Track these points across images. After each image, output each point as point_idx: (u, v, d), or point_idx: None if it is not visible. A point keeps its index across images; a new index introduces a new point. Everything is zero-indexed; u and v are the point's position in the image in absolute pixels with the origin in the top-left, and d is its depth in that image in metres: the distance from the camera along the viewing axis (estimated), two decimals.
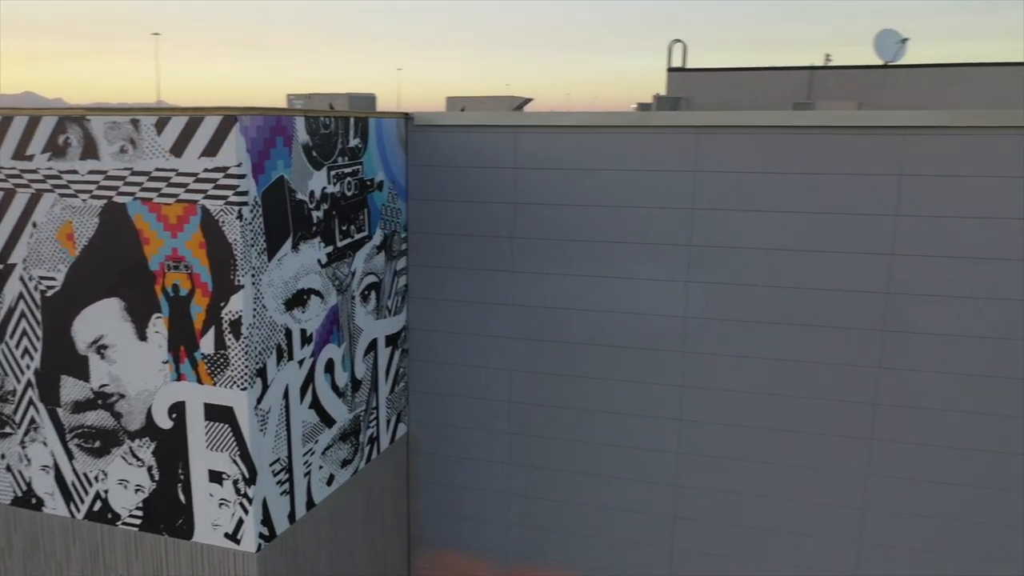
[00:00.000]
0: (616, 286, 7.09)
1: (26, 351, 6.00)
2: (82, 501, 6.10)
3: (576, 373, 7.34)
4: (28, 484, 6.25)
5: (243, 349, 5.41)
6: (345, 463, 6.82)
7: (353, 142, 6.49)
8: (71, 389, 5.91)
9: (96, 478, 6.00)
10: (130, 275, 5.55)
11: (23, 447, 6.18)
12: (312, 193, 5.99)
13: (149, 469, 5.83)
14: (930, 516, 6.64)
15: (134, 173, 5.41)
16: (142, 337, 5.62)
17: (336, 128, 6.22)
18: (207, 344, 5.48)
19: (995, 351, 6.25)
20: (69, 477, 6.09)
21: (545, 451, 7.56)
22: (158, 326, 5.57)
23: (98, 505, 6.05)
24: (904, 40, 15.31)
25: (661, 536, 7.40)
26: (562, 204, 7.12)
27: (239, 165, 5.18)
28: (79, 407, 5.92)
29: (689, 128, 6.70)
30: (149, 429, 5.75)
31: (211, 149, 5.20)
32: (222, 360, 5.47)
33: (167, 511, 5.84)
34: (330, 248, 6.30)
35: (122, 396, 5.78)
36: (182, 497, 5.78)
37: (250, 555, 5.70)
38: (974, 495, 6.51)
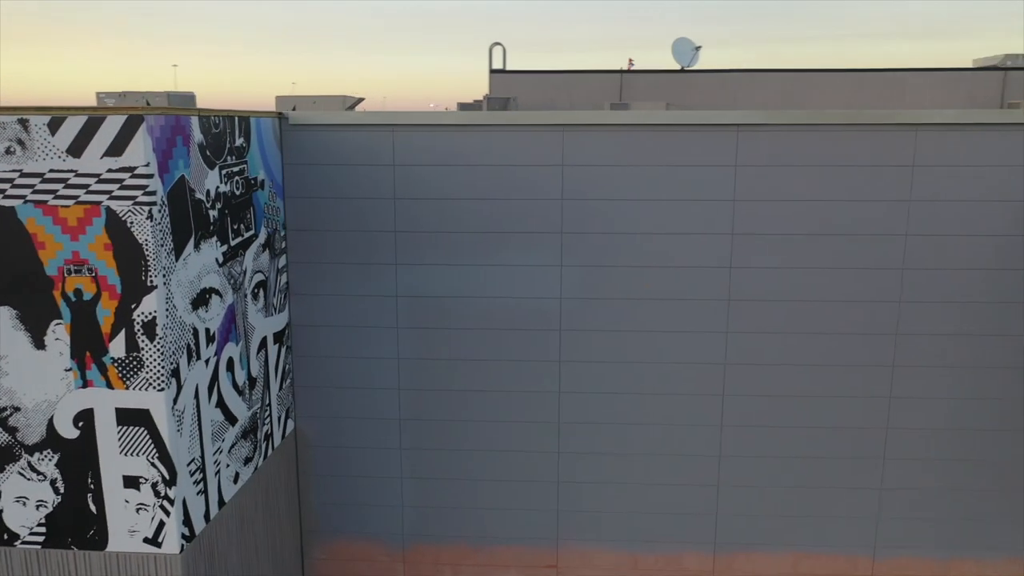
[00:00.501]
0: (493, 273, 7.63)
1: None
2: None
3: (460, 357, 7.81)
4: None
5: (158, 350, 5.39)
6: (247, 460, 6.86)
7: (239, 141, 6.55)
8: None
9: None
10: (23, 282, 5.34)
11: None
12: (208, 192, 6.02)
13: (53, 482, 5.62)
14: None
15: (24, 175, 5.21)
16: (39, 346, 5.43)
17: (224, 128, 6.27)
18: (117, 348, 5.40)
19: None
20: None
21: (434, 434, 7.97)
22: (58, 333, 5.40)
23: None
24: (698, 48, 17.14)
25: (547, 500, 8.06)
26: (440, 198, 7.54)
27: (147, 165, 5.17)
28: None
29: (557, 126, 7.37)
30: (51, 441, 5.55)
31: (116, 149, 5.15)
32: (135, 362, 5.41)
33: (76, 523, 5.67)
34: (225, 247, 6.34)
35: (16, 409, 5.53)
36: (93, 507, 5.63)
37: (174, 557, 5.67)
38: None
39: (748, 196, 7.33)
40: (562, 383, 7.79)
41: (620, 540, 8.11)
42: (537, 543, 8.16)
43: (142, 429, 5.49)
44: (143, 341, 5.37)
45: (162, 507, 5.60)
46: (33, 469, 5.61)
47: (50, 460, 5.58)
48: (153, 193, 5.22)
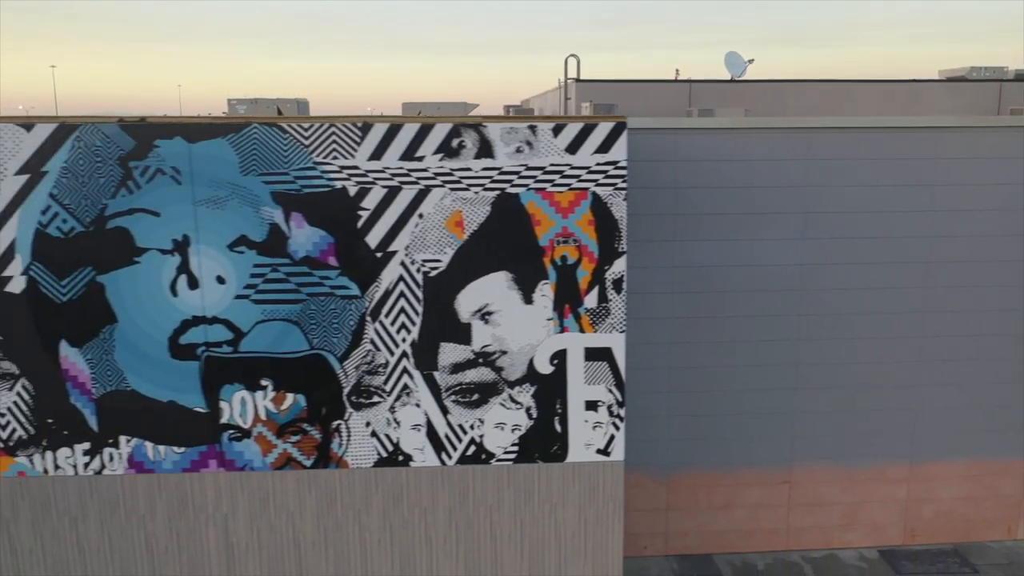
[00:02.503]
0: (751, 247, 9.47)
1: (403, 326, 6.97)
2: (454, 449, 7.22)
3: (721, 315, 9.63)
4: (395, 444, 7.18)
5: (622, 301, 7.03)
6: None
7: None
8: (451, 354, 7.03)
9: (471, 426, 7.17)
10: (519, 251, 6.88)
11: (392, 412, 7.12)
12: None
13: (527, 410, 7.17)
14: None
15: (528, 168, 6.76)
16: (528, 301, 6.97)
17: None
18: (591, 300, 7.00)
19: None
20: (442, 431, 7.17)
21: (694, 378, 9.75)
22: (544, 291, 6.96)
23: (472, 450, 7.22)
24: (750, 61, 19.35)
25: (784, 429, 9.98)
26: (711, 187, 9.34)
27: (625, 160, 6.80)
28: (458, 368, 7.06)
29: (804, 129, 9.28)
30: (529, 376, 7.10)
31: (603, 148, 6.75)
32: (604, 311, 7.03)
33: (543, 441, 7.23)
34: None
35: (504, 352, 7.05)
36: (558, 427, 7.21)
37: (618, 463, 7.32)
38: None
39: (947, 182, 9.46)
40: (800, 332, 9.73)
41: (837, 458, 10.12)
42: (774, 464, 10.08)
43: (603, 363, 7.11)
44: (612, 294, 7.00)
45: (613, 424, 7.24)
46: (513, 400, 7.14)
47: (527, 392, 7.13)
48: (626, 180, 6.85)
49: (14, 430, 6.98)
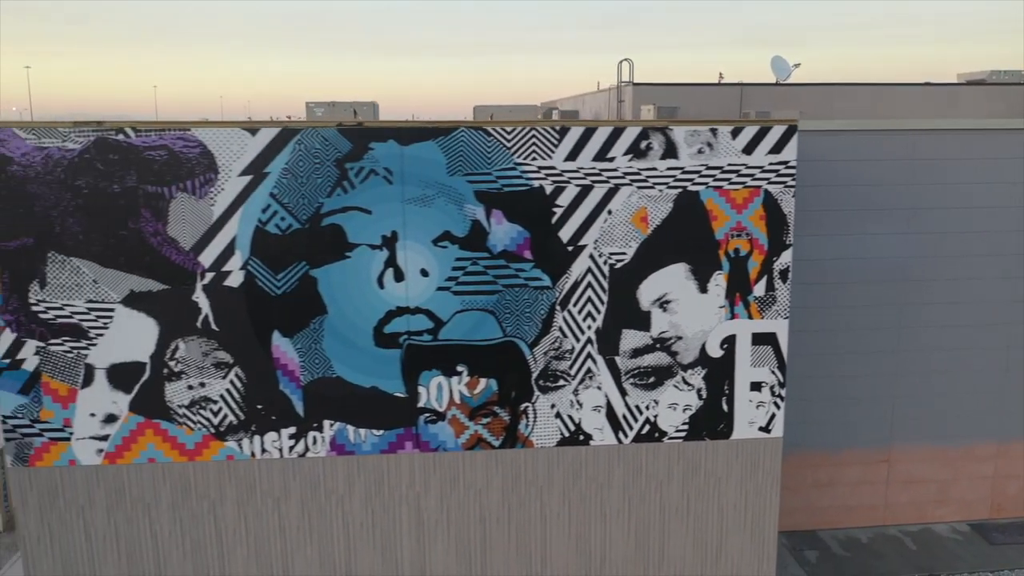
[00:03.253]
0: (858, 241, 10.13)
1: (588, 314, 7.53)
2: (630, 428, 7.78)
3: (830, 305, 10.28)
4: (577, 424, 7.73)
5: (787, 289, 7.65)
6: None
7: None
8: (631, 340, 7.60)
9: (647, 407, 7.75)
10: (696, 245, 7.47)
11: (575, 394, 7.67)
12: None
13: (698, 391, 7.76)
14: None
15: (708, 168, 7.35)
16: (702, 291, 7.56)
17: None
18: (759, 289, 7.61)
19: None
20: (620, 411, 7.74)
21: (808, 365, 10.39)
22: (718, 280, 7.56)
23: (646, 428, 7.79)
24: (796, 65, 20.10)
25: (883, 412, 10.67)
26: (825, 185, 9.99)
27: (795, 160, 7.42)
28: (637, 353, 7.63)
29: (908, 131, 9.98)
30: (701, 360, 7.69)
31: (776, 149, 7.37)
32: (771, 299, 7.64)
33: (711, 420, 7.83)
34: None
35: (679, 338, 7.64)
36: (725, 407, 7.81)
37: (777, 440, 7.93)
38: None
39: None
40: (900, 320, 10.44)
41: (932, 438, 10.84)
42: (874, 445, 10.78)
43: (768, 347, 7.73)
44: (778, 283, 7.62)
45: (775, 403, 7.86)
46: (685, 382, 7.72)
47: (699, 374, 7.72)
48: (795, 179, 7.47)
49: (225, 416, 7.42)
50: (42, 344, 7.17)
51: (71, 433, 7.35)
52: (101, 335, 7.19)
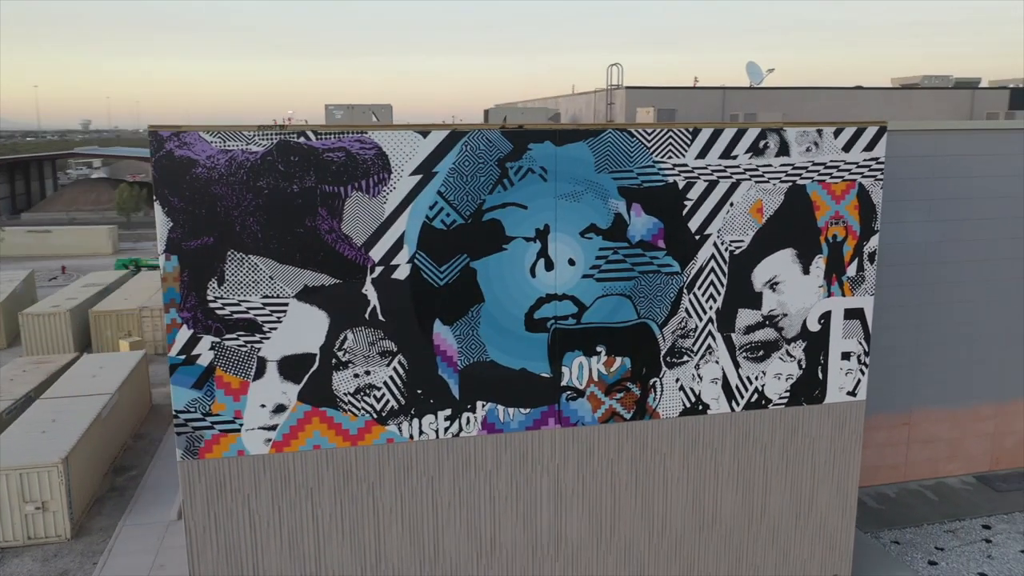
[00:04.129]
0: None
1: (710, 296, 8.40)
2: (741, 397, 8.71)
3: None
4: (697, 396, 8.60)
5: (874, 270, 8.75)
6: None
7: None
8: (745, 318, 8.53)
9: (756, 378, 8.69)
10: (801, 231, 8.47)
11: (697, 369, 8.53)
12: None
13: (799, 362, 8.76)
14: None
15: (814, 164, 8.36)
16: (805, 272, 8.57)
17: None
18: (851, 270, 8.67)
19: None
20: (734, 382, 8.65)
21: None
22: (818, 263, 8.58)
23: (755, 397, 8.74)
24: (770, 70, 21.49)
25: (904, 378, 12.03)
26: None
27: (884, 156, 8.52)
28: (750, 329, 8.56)
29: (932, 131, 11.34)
30: (802, 334, 8.70)
31: (869, 147, 8.44)
32: (860, 279, 8.72)
33: (808, 387, 8.85)
34: None
35: (785, 315, 8.62)
36: (820, 375, 8.85)
37: (861, 402, 9.04)
38: None
39: None
40: (923, 298, 11.81)
41: (945, 401, 12.30)
42: (898, 409, 12.13)
43: (857, 321, 8.81)
44: (867, 264, 8.71)
45: (860, 370, 8.95)
46: (788, 354, 8.72)
47: (800, 347, 8.73)
48: (883, 172, 8.58)
49: (387, 401, 7.88)
50: (217, 339, 7.45)
51: (241, 425, 7.64)
52: (274, 328, 7.53)
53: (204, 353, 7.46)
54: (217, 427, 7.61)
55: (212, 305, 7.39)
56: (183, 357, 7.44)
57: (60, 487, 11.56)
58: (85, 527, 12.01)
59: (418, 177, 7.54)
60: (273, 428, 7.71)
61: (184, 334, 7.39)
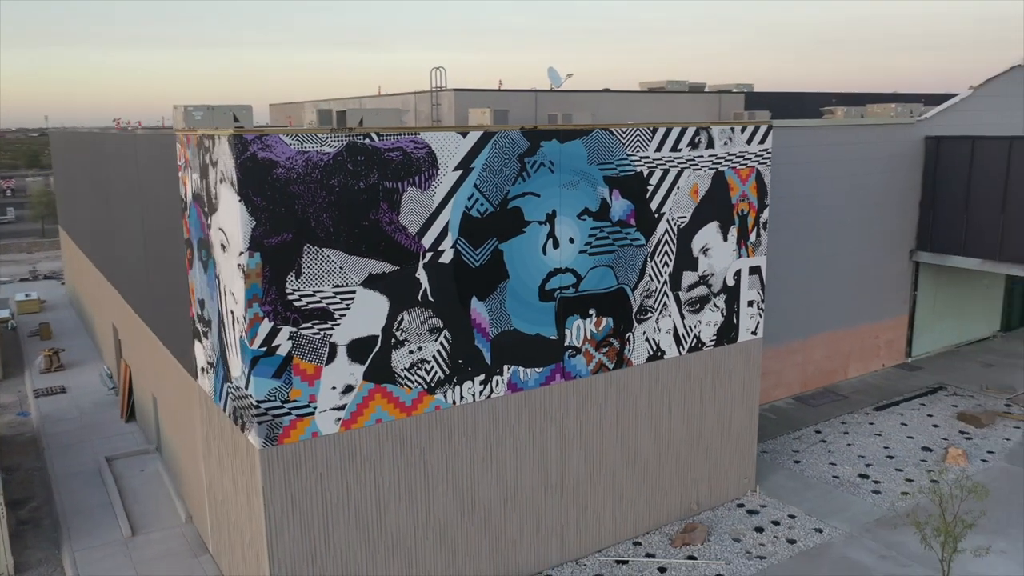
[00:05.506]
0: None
1: (665, 263, 10.44)
2: (686, 343, 10.87)
3: None
4: (657, 344, 10.60)
5: (766, 235, 11.38)
6: None
7: None
8: (688, 278, 10.71)
9: (694, 327, 10.91)
10: (722, 208, 10.84)
11: (657, 323, 10.53)
12: None
13: (721, 311, 11.14)
14: None
15: (729, 154, 10.76)
16: (725, 239, 10.96)
17: None
18: (753, 236, 11.23)
19: None
20: (681, 332, 10.78)
21: None
22: (732, 232, 11.01)
23: (694, 342, 10.96)
24: (569, 75, 23.81)
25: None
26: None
27: (771, 148, 11.16)
28: (690, 287, 10.76)
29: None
30: (724, 288, 11.09)
31: (763, 139, 11.04)
32: (758, 243, 11.31)
33: (727, 331, 11.26)
34: None
35: (713, 275, 10.94)
36: (735, 320, 11.31)
37: (759, 339, 11.66)
38: None
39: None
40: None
41: (773, 341, 15.61)
42: None
43: (756, 276, 11.41)
44: (762, 232, 11.32)
45: (759, 314, 11.57)
46: (715, 305, 11.06)
47: (722, 299, 11.11)
48: (771, 160, 11.22)
49: (436, 373, 8.86)
50: (294, 329, 7.94)
51: (315, 408, 8.18)
52: (343, 315, 8.18)
53: (283, 343, 7.89)
54: (294, 412, 8.06)
55: (290, 297, 7.85)
56: (264, 349, 7.81)
57: None
58: (22, 561, 11.07)
59: (459, 172, 8.62)
60: (342, 408, 8.32)
61: (265, 327, 7.78)
